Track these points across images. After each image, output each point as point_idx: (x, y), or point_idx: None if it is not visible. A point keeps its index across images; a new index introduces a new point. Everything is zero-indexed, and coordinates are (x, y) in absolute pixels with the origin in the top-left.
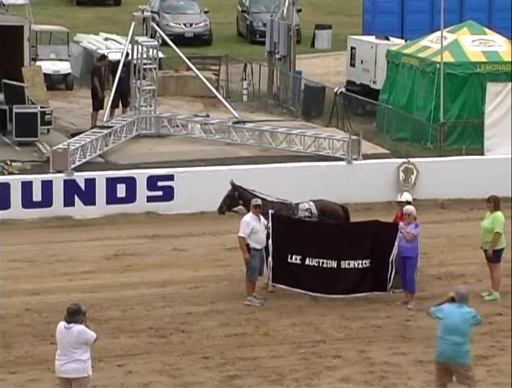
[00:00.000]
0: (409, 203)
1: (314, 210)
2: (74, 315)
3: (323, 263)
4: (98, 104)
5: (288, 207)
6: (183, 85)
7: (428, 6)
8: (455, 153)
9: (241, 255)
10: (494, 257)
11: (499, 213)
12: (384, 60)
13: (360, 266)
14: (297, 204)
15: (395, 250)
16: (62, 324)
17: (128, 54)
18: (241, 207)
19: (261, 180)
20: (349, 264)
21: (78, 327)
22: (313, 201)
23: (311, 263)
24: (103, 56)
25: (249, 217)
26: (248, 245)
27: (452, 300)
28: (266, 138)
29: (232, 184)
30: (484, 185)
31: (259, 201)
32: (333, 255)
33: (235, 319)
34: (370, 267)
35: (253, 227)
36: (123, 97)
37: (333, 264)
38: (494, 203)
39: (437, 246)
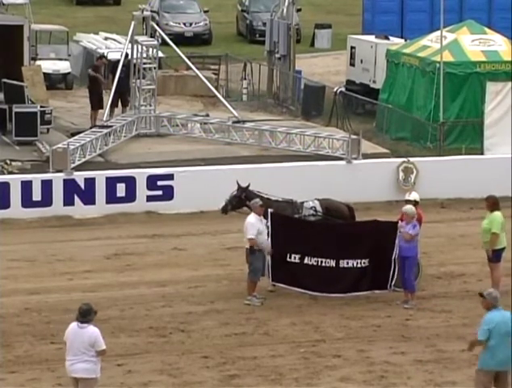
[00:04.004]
0: (416, 202)
1: (319, 208)
2: (87, 315)
3: (322, 262)
4: (96, 103)
5: (293, 205)
6: (183, 84)
7: (428, 5)
8: (454, 153)
9: (241, 255)
10: (494, 257)
11: (497, 213)
12: (384, 59)
13: (359, 265)
14: (302, 203)
15: (396, 249)
16: (75, 324)
17: (127, 54)
18: (245, 208)
19: (260, 180)
20: (348, 263)
21: (93, 329)
22: (318, 200)
23: (310, 262)
24: (102, 56)
25: (253, 218)
26: (252, 247)
27: (488, 308)
28: (265, 138)
29: (239, 185)
30: (484, 185)
31: (260, 202)
32: (332, 254)
33: (235, 319)
34: (369, 267)
35: (258, 228)
36: (123, 96)
37: (332, 263)
38: (491, 203)
39: (437, 246)
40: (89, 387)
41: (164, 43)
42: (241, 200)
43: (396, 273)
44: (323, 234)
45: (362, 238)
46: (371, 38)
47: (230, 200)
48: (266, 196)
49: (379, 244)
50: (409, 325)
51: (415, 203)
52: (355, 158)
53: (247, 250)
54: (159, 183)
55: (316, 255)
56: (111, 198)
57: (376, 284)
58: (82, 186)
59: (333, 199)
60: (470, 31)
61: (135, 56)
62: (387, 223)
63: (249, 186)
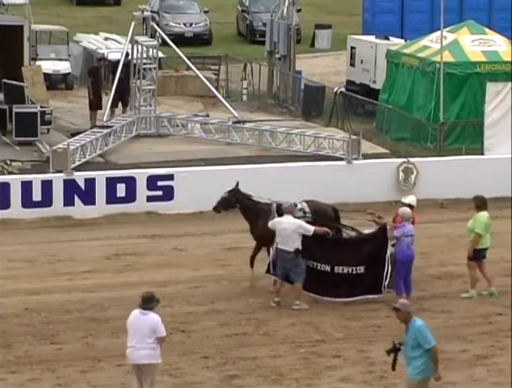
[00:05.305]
0: (411, 207)
1: (307, 210)
2: (149, 302)
3: (317, 266)
4: (93, 104)
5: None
6: (183, 85)
7: (428, 5)
8: (454, 153)
9: (241, 255)
10: (474, 256)
11: (483, 214)
12: (384, 59)
13: (355, 272)
14: None
15: (390, 247)
16: (137, 311)
17: (127, 54)
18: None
19: (261, 180)
20: (343, 270)
21: (154, 315)
22: (306, 202)
23: (307, 263)
24: (102, 58)
25: (290, 217)
26: (298, 248)
27: (406, 319)
28: (265, 138)
29: (232, 188)
30: (484, 185)
31: (293, 204)
32: (328, 260)
33: (235, 319)
34: (365, 273)
35: None
36: (123, 97)
37: (327, 268)
38: (479, 203)
39: (437, 246)
40: (151, 373)
41: (164, 43)
42: (231, 202)
43: (389, 274)
44: (321, 238)
45: (359, 244)
46: (372, 38)
47: (221, 202)
48: (256, 199)
49: (375, 249)
50: None
51: (410, 207)
52: (355, 159)
53: (287, 253)
54: (159, 183)
55: (311, 258)
56: (111, 198)
57: (372, 288)
58: (82, 186)
59: (318, 200)
60: (470, 32)
61: (135, 56)
62: (382, 228)
63: (237, 185)
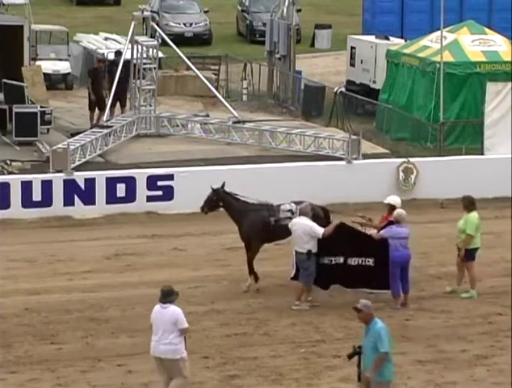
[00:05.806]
0: (392, 206)
1: (295, 210)
2: (168, 296)
3: (331, 260)
4: (92, 105)
5: (269, 208)
6: (183, 85)
7: (428, 5)
8: (454, 153)
9: (241, 255)
10: (467, 256)
11: (473, 214)
12: (384, 59)
13: (364, 263)
14: (279, 206)
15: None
16: (158, 306)
17: (121, 53)
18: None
19: (260, 180)
20: (354, 261)
21: (174, 308)
22: (295, 203)
23: (322, 261)
24: (102, 59)
25: (306, 219)
26: (310, 250)
27: (368, 320)
28: (265, 138)
29: (213, 189)
30: (484, 185)
31: (309, 205)
32: (341, 252)
33: (235, 319)
34: (373, 267)
35: None
36: (121, 97)
37: (341, 260)
38: (468, 203)
39: (437, 246)
40: (177, 367)
41: (164, 43)
42: (214, 201)
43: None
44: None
45: (366, 238)
46: (372, 38)
47: (205, 202)
48: (242, 199)
49: (381, 246)
50: (409, 325)
51: (391, 206)
52: (355, 159)
53: (300, 254)
54: (159, 183)
55: (325, 254)
56: (111, 198)
57: (382, 284)
58: (82, 186)
59: (307, 201)
60: (470, 32)
61: (135, 56)
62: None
63: (223, 186)
